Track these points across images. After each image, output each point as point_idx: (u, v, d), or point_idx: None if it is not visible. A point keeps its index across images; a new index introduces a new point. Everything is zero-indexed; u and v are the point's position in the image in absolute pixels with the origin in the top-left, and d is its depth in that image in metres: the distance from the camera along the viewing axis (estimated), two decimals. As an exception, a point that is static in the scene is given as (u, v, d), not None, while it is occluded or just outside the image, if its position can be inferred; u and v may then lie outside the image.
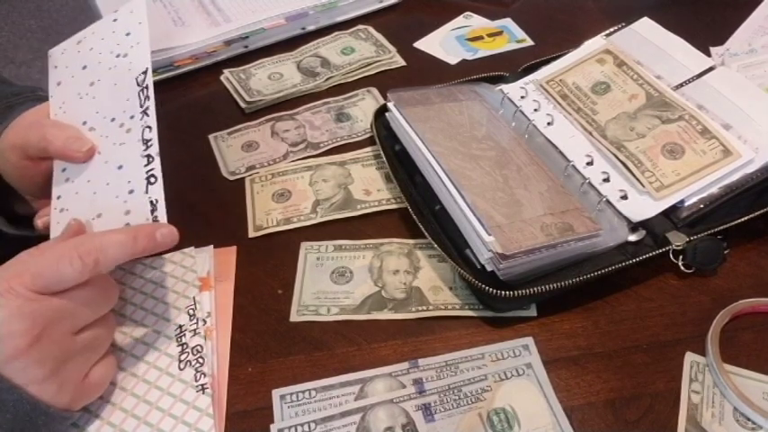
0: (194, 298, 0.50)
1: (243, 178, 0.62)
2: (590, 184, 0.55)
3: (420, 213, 0.54)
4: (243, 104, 0.70)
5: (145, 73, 0.49)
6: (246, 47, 0.78)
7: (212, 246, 0.54)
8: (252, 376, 0.47)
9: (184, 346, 0.47)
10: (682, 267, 0.51)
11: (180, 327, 0.49)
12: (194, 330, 0.48)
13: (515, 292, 0.47)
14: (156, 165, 0.47)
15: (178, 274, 0.52)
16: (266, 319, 0.50)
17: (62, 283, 0.40)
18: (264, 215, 0.58)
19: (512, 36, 0.80)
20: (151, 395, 0.45)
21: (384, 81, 0.73)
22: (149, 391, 0.45)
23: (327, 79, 0.73)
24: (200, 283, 0.52)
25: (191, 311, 0.50)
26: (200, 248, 0.54)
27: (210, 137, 0.67)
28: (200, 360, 0.46)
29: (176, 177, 0.63)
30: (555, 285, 0.47)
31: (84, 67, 0.52)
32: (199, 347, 0.47)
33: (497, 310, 0.50)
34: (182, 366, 0.46)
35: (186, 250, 0.54)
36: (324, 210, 0.58)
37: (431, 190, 0.55)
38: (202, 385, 0.45)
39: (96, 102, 0.51)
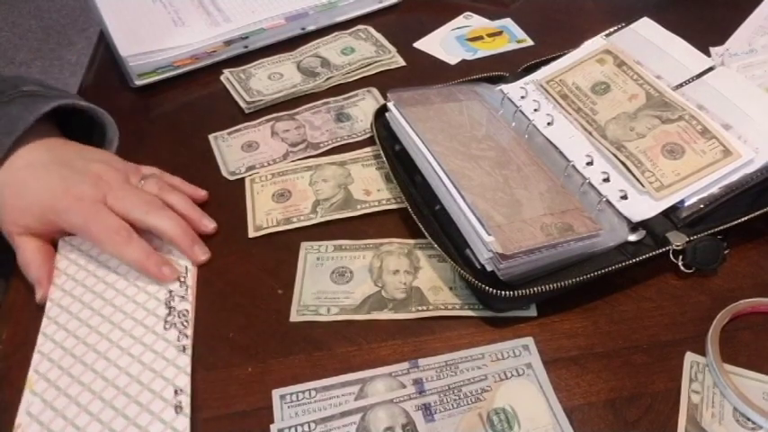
0: (186, 267, 0.54)
1: (243, 178, 0.62)
2: (590, 184, 0.55)
3: (420, 213, 0.54)
4: (243, 104, 0.70)
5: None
6: (246, 47, 0.78)
7: None
8: (252, 376, 0.47)
9: (172, 309, 0.50)
10: (682, 267, 0.51)
11: (170, 291, 0.52)
12: (183, 296, 0.51)
13: (515, 292, 0.47)
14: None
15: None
16: (266, 319, 0.50)
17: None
18: (264, 215, 0.58)
19: (512, 36, 0.80)
20: (135, 349, 0.47)
21: (384, 81, 0.73)
22: (134, 346, 0.48)
23: (327, 79, 0.73)
24: None
25: (182, 278, 0.52)
26: None
27: (210, 137, 0.67)
28: (185, 323, 0.49)
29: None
30: (555, 285, 0.47)
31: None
32: (185, 312, 0.50)
33: (497, 310, 0.50)
34: (167, 327, 0.49)
35: None
36: (324, 210, 0.58)
37: (431, 190, 0.55)
38: (184, 346, 0.48)
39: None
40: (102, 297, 0.51)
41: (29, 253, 0.53)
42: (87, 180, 0.53)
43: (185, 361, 0.47)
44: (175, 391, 0.45)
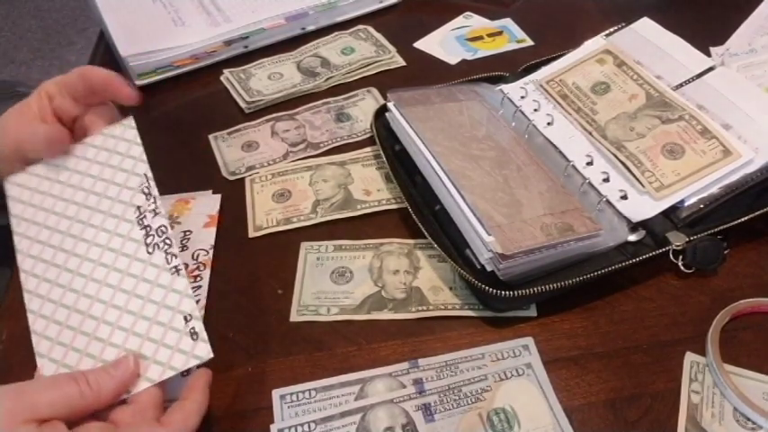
0: (146, 175, 0.46)
1: (243, 178, 0.62)
2: (590, 184, 0.55)
3: (420, 213, 0.54)
4: (243, 104, 0.70)
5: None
6: (246, 47, 0.78)
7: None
8: (252, 376, 0.47)
9: (148, 229, 0.44)
10: (682, 267, 0.51)
11: (138, 208, 0.45)
12: (154, 210, 0.45)
13: (515, 292, 0.47)
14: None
15: (122, 150, 0.47)
16: (266, 319, 0.50)
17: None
18: (264, 215, 0.58)
19: (512, 36, 0.80)
20: (126, 284, 0.43)
21: (384, 81, 0.73)
22: (124, 280, 0.43)
23: (327, 79, 0.73)
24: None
25: (145, 190, 0.46)
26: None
27: (210, 137, 0.67)
28: (168, 241, 0.43)
29: (176, 177, 0.63)
30: (555, 285, 0.47)
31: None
32: (163, 228, 0.44)
33: (497, 310, 0.50)
34: (150, 250, 0.43)
35: (121, 124, 0.48)
36: (324, 210, 0.58)
37: (431, 190, 0.55)
38: (175, 267, 0.43)
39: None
40: (71, 234, 0.45)
41: None
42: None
43: (183, 283, 0.42)
44: (185, 318, 0.41)
